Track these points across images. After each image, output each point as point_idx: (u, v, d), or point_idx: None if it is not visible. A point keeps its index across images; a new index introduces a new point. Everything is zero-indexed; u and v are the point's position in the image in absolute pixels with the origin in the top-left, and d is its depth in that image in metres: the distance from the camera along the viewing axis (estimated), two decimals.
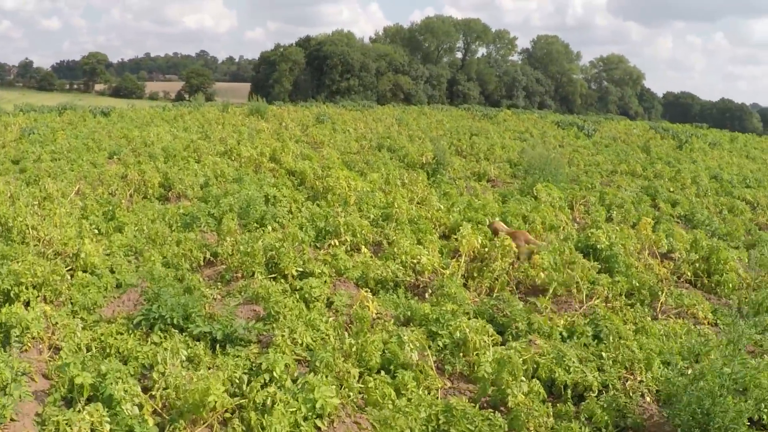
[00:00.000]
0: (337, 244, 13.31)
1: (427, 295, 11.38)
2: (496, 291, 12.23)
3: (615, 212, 19.80)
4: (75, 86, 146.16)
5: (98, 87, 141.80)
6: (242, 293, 11.00)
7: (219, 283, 11.65)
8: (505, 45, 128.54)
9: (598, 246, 15.04)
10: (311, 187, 18.48)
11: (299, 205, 16.44)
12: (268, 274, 11.77)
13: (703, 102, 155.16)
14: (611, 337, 10.13)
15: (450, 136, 35.69)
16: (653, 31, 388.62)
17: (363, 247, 13.43)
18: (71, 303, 10.40)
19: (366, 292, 10.26)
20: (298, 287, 11.10)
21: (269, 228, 14.23)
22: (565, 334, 10.49)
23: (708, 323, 12.11)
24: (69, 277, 10.94)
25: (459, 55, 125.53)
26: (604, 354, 9.74)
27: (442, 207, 16.83)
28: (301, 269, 11.77)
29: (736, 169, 34.81)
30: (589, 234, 15.57)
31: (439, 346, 9.51)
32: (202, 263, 12.50)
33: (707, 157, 38.66)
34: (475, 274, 12.88)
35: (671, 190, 25.13)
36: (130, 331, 9.20)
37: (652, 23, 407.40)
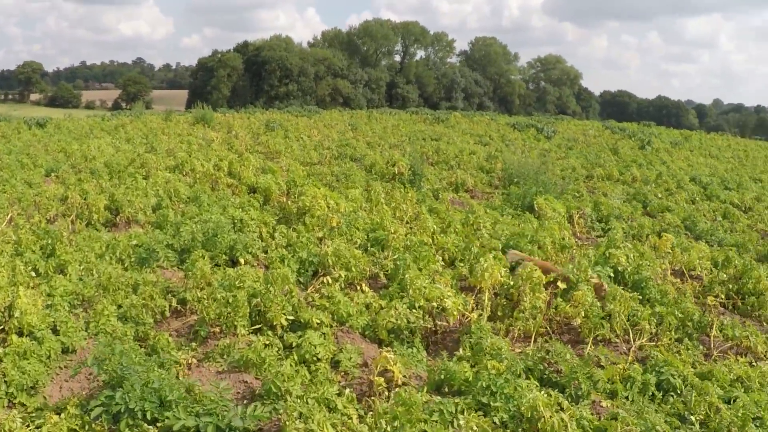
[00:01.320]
0: (330, 281, 10.94)
1: (462, 352, 8.96)
2: (533, 336, 10.04)
3: (614, 224, 17.96)
4: (10, 96, 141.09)
5: (34, 97, 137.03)
6: (225, 356, 8.53)
7: (193, 342, 9.05)
8: (444, 47, 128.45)
9: (620, 269, 13.09)
10: (281, 207, 16.06)
11: (270, 229, 14.03)
12: (252, 324, 9.33)
13: (640, 100, 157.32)
14: (693, 394, 8.09)
15: (410, 142, 33.56)
16: (588, 31, 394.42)
17: (363, 284, 11.12)
18: (5, 382, 7.64)
19: (387, 352, 7.96)
20: (293, 344, 8.72)
21: (242, 261, 11.93)
22: (625, 388, 8.41)
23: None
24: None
25: (397, 58, 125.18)
26: (692, 417, 7.85)
27: (435, 228, 14.60)
28: (292, 317, 9.39)
29: (708, 169, 33.39)
30: (607, 255, 13.60)
31: (495, 424, 7.24)
32: (167, 313, 9.87)
33: (674, 158, 37.21)
34: (500, 313, 10.73)
35: (659, 195, 23.42)
36: (87, 427, 6.79)
37: (587, 24, 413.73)
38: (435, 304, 9.69)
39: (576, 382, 8.13)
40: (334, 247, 11.87)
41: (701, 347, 10.42)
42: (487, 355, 8.54)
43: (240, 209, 14.78)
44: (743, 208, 23.34)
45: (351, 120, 47.93)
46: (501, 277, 10.84)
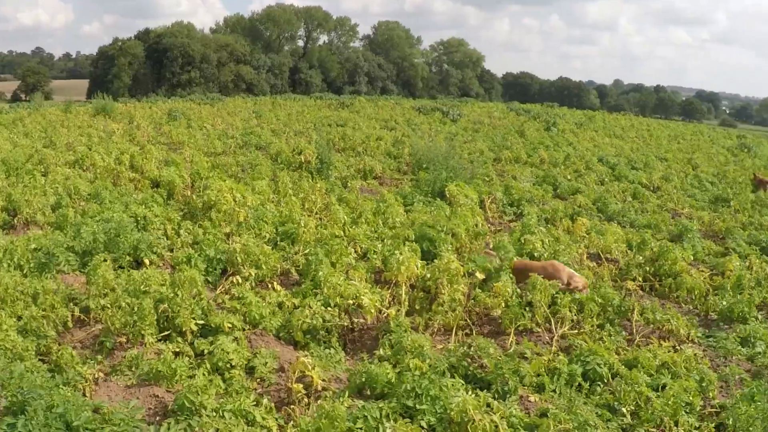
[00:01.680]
0: (240, 281, 10.50)
1: (382, 351, 8.62)
2: (453, 330, 9.80)
3: (526, 208, 17.92)
4: None
5: None
6: (133, 368, 7.92)
7: (99, 355, 8.37)
8: (347, 32, 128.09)
9: (536, 254, 13.04)
10: (185, 202, 15.49)
11: (175, 226, 13.45)
12: (160, 331, 8.76)
13: (542, 81, 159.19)
14: (622, 385, 7.99)
15: (316, 129, 33.09)
16: (491, 14, 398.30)
17: (275, 283, 10.69)
18: None
19: (304, 356, 7.61)
20: (205, 351, 8.23)
21: (146, 262, 11.40)
22: (551, 380, 8.25)
23: (690, 341, 10.37)
24: None
25: (301, 43, 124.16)
26: (622, 408, 7.76)
27: (346, 219, 14.25)
28: (202, 322, 8.90)
29: (614, 150, 33.82)
30: (523, 241, 13.51)
31: (423, 428, 6.92)
32: (70, 324, 9.12)
33: (579, 139, 37.61)
34: (417, 307, 10.47)
35: (569, 177, 23.54)
36: None
37: (490, 7, 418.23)
38: (351, 301, 9.32)
39: (503, 377, 7.88)
40: (242, 244, 11.43)
41: (623, 333, 10.36)
42: (408, 353, 8.22)
43: (143, 206, 14.13)
44: (652, 188, 23.65)
45: (255, 107, 47.29)
46: (417, 269, 10.58)
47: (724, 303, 11.87)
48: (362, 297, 9.19)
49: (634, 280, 12.87)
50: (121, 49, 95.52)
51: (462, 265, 10.95)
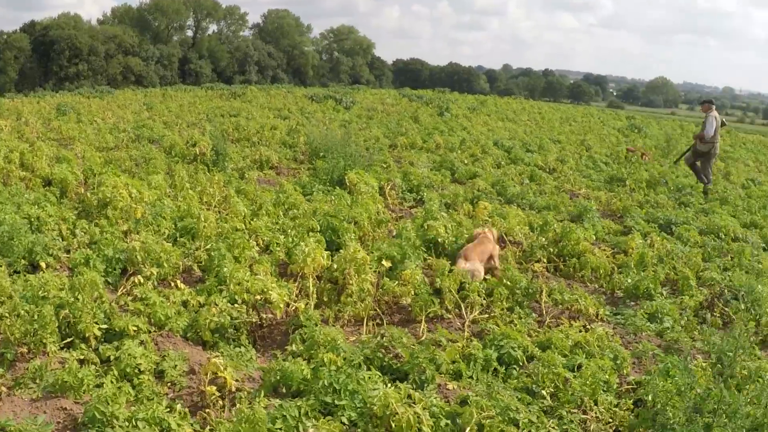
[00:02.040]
0: (141, 280, 10.08)
1: (294, 347, 8.38)
2: (364, 320, 9.64)
3: (426, 194, 17.90)
4: None
5: None
6: (38, 380, 7.39)
7: (0, 368, 7.76)
8: (236, 21, 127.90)
9: (440, 240, 12.97)
10: (80, 200, 14.88)
11: (70, 225, 12.89)
12: (62, 339, 8.24)
13: (432, 67, 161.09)
14: (539, 367, 7.91)
15: (209, 120, 32.48)
16: (380, 2, 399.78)
17: (178, 282, 10.31)
18: None
19: (215, 357, 7.33)
20: (111, 357, 7.80)
21: (43, 265, 10.86)
22: (468, 367, 8.16)
23: (599, 319, 10.46)
24: None
25: (190, 33, 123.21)
26: (542, 391, 7.67)
27: (246, 211, 13.92)
28: (105, 326, 8.48)
29: (508, 133, 34.21)
30: (426, 227, 13.43)
31: (344, 425, 6.72)
32: None
33: (473, 123, 37.93)
34: (326, 299, 10.24)
35: (465, 162, 23.64)
36: None
37: None
38: (258, 297, 9.06)
39: (419, 367, 7.74)
40: (141, 242, 11.03)
41: (533, 315, 10.35)
42: (321, 347, 8.02)
43: (35, 206, 13.52)
44: (548, 170, 23.94)
45: (145, 99, 46.20)
46: (324, 261, 10.39)
47: (629, 281, 12.01)
48: (270, 292, 8.90)
49: (538, 261, 12.91)
50: (6, 43, 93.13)
51: (368, 254, 10.78)
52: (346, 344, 8.19)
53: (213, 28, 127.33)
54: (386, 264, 10.81)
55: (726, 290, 11.75)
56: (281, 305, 8.92)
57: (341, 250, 10.89)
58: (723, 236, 16.20)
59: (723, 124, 22.78)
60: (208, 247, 11.59)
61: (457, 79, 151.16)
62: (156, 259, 10.63)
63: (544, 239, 13.72)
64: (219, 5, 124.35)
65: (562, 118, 50.24)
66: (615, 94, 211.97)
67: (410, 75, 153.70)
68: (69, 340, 8.26)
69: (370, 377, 7.25)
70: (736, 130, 64.25)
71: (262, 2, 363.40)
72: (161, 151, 21.35)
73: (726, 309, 11.16)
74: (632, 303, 11.54)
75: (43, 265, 10.86)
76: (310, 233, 12.24)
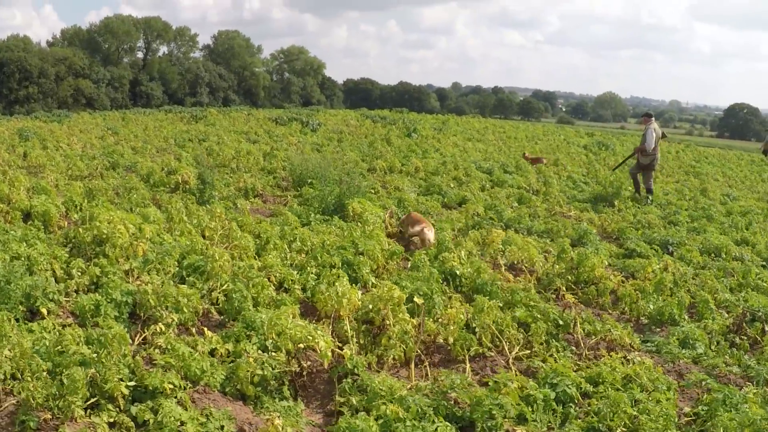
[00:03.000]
0: (162, 328, 9.28)
1: (351, 398, 7.59)
2: (412, 366, 8.93)
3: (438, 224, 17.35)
4: None
5: None
6: None
7: None
8: (186, 42, 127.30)
9: (457, 272, 12.38)
10: (66, 236, 13.97)
11: (63, 265, 12.01)
12: (86, 399, 7.20)
13: (383, 86, 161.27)
14: (607, 407, 7.41)
15: (178, 145, 31.61)
16: (329, 21, 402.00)
17: (203, 328, 9.51)
18: None
19: (274, 417, 6.62)
20: (149, 420, 6.91)
21: (44, 311, 9.96)
22: (531, 410, 7.53)
23: (636, 349, 10.06)
24: None
25: (140, 54, 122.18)
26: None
27: (251, 245, 13.14)
28: (133, 383, 7.58)
29: (481, 154, 33.83)
30: (442, 258, 12.87)
31: None
32: None
33: (443, 144, 37.48)
34: (362, 341, 9.52)
35: (452, 186, 23.13)
36: None
37: (327, 14, 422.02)
38: (302, 345, 8.34)
39: (487, 414, 7.15)
40: (153, 284, 10.29)
41: (571, 348, 9.90)
42: (379, 398, 7.38)
43: (23, 242, 12.69)
44: (532, 191, 23.54)
45: (105, 123, 45.14)
46: (358, 301, 9.76)
47: (652, 307, 11.72)
48: (317, 339, 8.23)
49: (557, 290, 12.49)
50: None
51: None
52: (406, 392, 7.56)
53: (163, 49, 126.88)
54: (419, 302, 10.18)
55: (748, 312, 11.52)
56: (329, 353, 8.21)
57: (366, 287, 10.28)
58: (724, 255, 16.05)
59: (663, 135, 23.60)
60: (224, 287, 10.84)
61: (407, 98, 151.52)
62: (173, 304, 9.86)
63: (561, 266, 13.23)
64: (169, 26, 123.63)
65: (527, 137, 50.11)
66: (564, 109, 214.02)
67: (361, 95, 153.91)
68: (93, 399, 7.41)
69: (439, 429, 6.65)
70: (686, 142, 64.96)
71: (212, 23, 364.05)
72: (139, 180, 20.42)
73: (749, 330, 11.05)
74: (657, 329, 11.23)
75: (44, 311, 10.01)
76: (334, 269, 11.58)
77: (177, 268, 11.73)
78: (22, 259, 11.73)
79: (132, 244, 12.29)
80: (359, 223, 15.53)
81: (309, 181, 20.43)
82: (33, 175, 21.47)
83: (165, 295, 9.88)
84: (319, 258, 12.61)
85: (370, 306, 9.71)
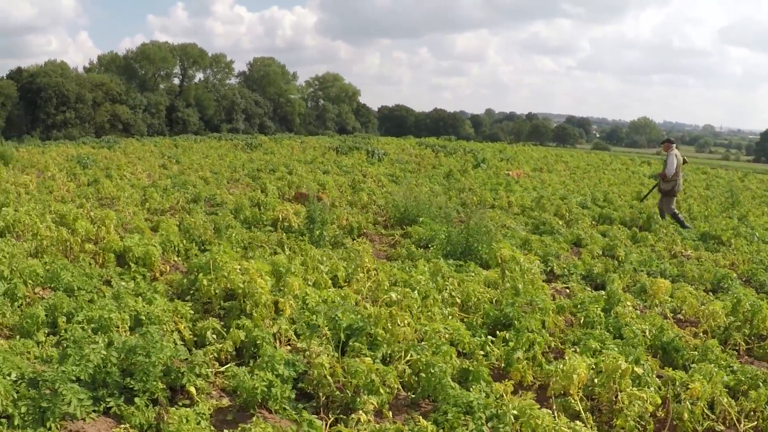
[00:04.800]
0: (364, 417, 7.07)
1: None
2: None
3: (555, 266, 15.10)
4: None
5: None
6: None
7: None
8: (222, 69, 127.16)
9: (636, 333, 10.20)
10: (178, 287, 11.75)
11: (187, 325, 9.80)
12: None
13: (417, 113, 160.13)
14: None
15: (249, 176, 29.41)
16: (361, 49, 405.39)
17: (414, 415, 7.26)
18: None
19: None
20: None
21: (192, 391, 7.81)
22: None
23: None
24: None
25: (176, 81, 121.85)
26: None
27: (417, 298, 10.81)
28: None
29: (561, 186, 31.53)
30: (615, 314, 11.09)
31: None
32: None
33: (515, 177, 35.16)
34: (590, 421, 7.48)
35: (561, 223, 20.81)
36: None
37: (359, 42, 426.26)
38: None
39: None
40: (329, 357, 8.07)
41: None
42: None
43: (138, 297, 10.47)
44: (638, 227, 21.25)
45: (159, 150, 43.22)
46: (585, 373, 7.72)
47: None
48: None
49: (736, 345, 10.74)
50: None
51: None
52: None
53: (199, 76, 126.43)
54: (639, 371, 8.08)
55: None
56: None
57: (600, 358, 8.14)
58: None
59: (684, 161, 23.07)
60: (408, 357, 8.60)
61: (442, 124, 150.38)
62: (366, 383, 7.65)
63: (736, 319, 11.31)
64: (205, 53, 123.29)
65: (589, 166, 47.73)
66: (598, 135, 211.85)
67: (395, 121, 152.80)
68: None
69: None
70: (725, 167, 62.55)
71: (245, 50, 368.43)
72: (229, 216, 18.21)
73: None
74: None
75: (192, 390, 7.88)
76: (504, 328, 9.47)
77: (331, 330, 9.38)
78: (143, 319, 9.60)
79: (276, 299, 10.10)
80: (507, 272, 13.23)
81: (417, 218, 18.35)
82: (106, 207, 19.39)
83: (354, 371, 7.68)
84: (490, 314, 10.77)
85: (596, 380, 8.04)
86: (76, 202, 19.88)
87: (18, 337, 9.51)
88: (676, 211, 22.80)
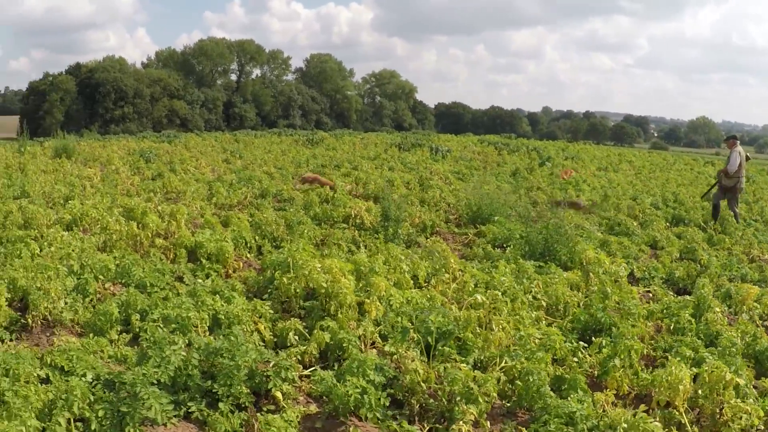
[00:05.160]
0: (464, 428, 6.56)
1: None
2: None
3: (635, 269, 14.38)
4: None
5: None
6: None
7: None
8: (279, 65, 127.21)
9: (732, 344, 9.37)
10: (255, 285, 11.30)
11: (267, 325, 9.33)
12: None
13: (474, 110, 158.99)
14: None
15: (315, 171, 28.85)
16: (417, 45, 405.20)
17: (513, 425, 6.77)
18: None
19: None
20: None
21: (278, 396, 7.32)
22: None
23: None
24: None
25: (234, 77, 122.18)
26: None
27: (507, 302, 10.22)
28: None
29: (629, 186, 30.56)
30: (707, 320, 10.44)
31: None
32: None
33: (584, 175, 34.25)
34: None
35: (636, 224, 19.98)
36: None
37: (416, 38, 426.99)
38: None
39: None
40: (416, 359, 7.58)
41: None
42: None
43: (215, 296, 9.99)
44: (714, 230, 20.34)
45: (220, 144, 42.98)
46: (689, 383, 7.32)
47: None
48: None
49: None
50: (53, 84, 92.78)
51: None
52: None
53: (257, 72, 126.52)
54: (741, 382, 7.60)
55: None
56: None
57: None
58: None
59: (747, 158, 22.68)
60: (502, 365, 8.03)
61: (499, 122, 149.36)
62: (463, 392, 7.11)
63: None
64: (262, 49, 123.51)
65: (653, 165, 46.54)
66: (656, 135, 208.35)
67: (452, 118, 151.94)
68: None
69: None
70: None
71: (301, 46, 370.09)
72: (298, 211, 17.73)
73: None
74: None
75: (278, 395, 7.39)
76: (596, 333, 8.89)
77: (417, 335, 8.79)
78: (222, 318, 9.14)
79: (360, 300, 9.57)
80: (591, 274, 12.56)
81: (490, 217, 17.78)
82: (172, 202, 19.06)
83: (451, 378, 7.16)
84: (581, 319, 10.23)
85: (699, 391, 7.46)
86: (143, 196, 19.56)
87: (91, 334, 9.11)
88: (736, 210, 22.36)
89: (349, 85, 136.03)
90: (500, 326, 8.73)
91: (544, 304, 10.97)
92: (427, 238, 16.61)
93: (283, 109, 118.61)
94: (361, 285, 10.33)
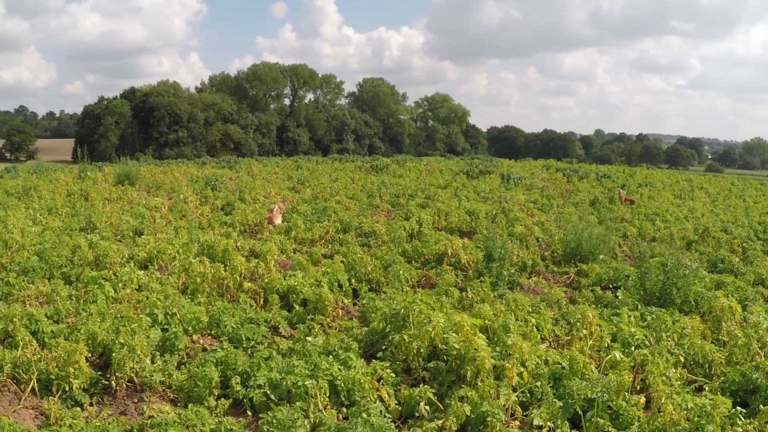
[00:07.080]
0: None
1: None
2: None
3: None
4: None
5: None
6: None
7: None
8: (332, 89, 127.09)
9: None
10: (351, 336, 10.05)
11: (389, 391, 8.07)
12: None
13: (527, 134, 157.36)
14: None
15: (390, 202, 27.59)
16: (468, 69, 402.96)
17: None
18: None
19: None
20: None
21: None
22: None
23: None
24: None
25: (287, 101, 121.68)
26: None
27: (659, 362, 8.84)
28: None
29: (712, 216, 28.69)
30: None
31: None
32: None
33: (663, 203, 32.57)
34: None
35: (738, 259, 18.28)
36: None
37: (467, 62, 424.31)
38: None
39: None
40: None
41: None
42: None
43: (329, 356, 8.72)
44: None
45: (280, 170, 42.00)
46: None
47: None
48: None
49: None
50: (108, 108, 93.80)
51: None
52: None
53: (309, 96, 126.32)
54: None
55: None
56: None
57: None
58: None
59: None
60: None
61: (552, 146, 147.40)
62: None
63: None
64: (316, 74, 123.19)
65: (728, 192, 44.56)
66: (710, 156, 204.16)
67: (504, 142, 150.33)
68: None
69: None
70: None
71: (352, 71, 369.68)
72: (391, 249, 16.46)
73: None
74: None
75: None
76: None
77: (563, 401, 7.49)
78: (340, 385, 7.89)
79: (504, 368, 8.24)
80: (723, 323, 11.15)
81: (592, 253, 16.45)
82: (251, 236, 17.88)
83: None
84: (735, 380, 8.97)
85: None
86: (217, 230, 18.44)
87: (187, 403, 7.90)
88: None
89: (401, 109, 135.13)
90: (658, 391, 7.35)
91: (681, 359, 9.53)
92: (528, 278, 15.26)
93: (337, 133, 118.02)
94: (497, 348, 8.88)
